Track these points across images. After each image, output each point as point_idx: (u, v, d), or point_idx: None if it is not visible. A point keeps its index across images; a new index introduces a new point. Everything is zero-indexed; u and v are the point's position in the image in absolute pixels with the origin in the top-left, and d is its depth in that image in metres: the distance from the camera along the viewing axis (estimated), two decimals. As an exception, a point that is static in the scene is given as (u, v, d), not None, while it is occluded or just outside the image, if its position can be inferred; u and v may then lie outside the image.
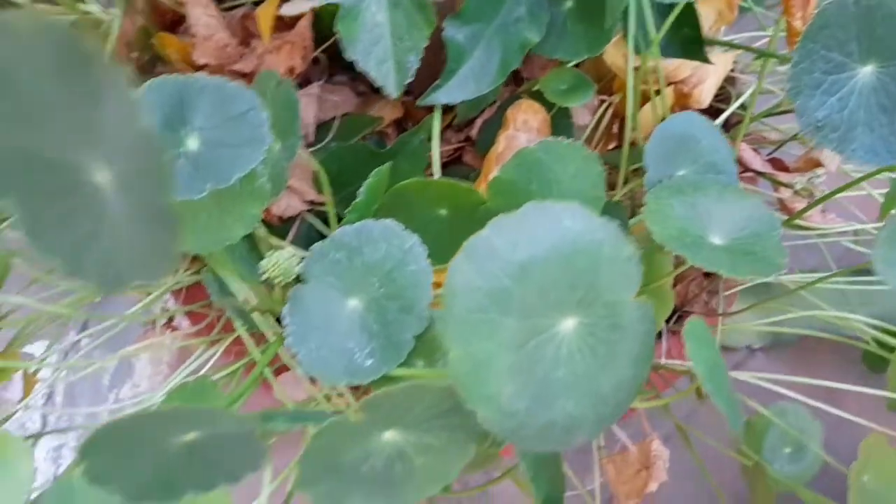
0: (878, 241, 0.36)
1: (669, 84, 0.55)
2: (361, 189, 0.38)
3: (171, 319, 0.56)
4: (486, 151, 0.47)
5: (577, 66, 0.48)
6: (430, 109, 0.56)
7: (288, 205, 0.49)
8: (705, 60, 0.48)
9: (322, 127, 0.53)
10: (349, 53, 0.41)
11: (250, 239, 0.51)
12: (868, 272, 0.42)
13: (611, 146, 0.56)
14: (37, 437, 0.57)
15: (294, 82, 0.43)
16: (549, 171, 0.37)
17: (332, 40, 0.46)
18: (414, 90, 0.52)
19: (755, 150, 0.59)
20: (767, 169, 0.57)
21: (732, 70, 0.60)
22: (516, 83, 0.56)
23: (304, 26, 0.50)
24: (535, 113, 0.49)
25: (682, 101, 0.55)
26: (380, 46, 0.42)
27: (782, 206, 0.58)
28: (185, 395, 0.38)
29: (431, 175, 0.45)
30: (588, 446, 0.52)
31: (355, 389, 0.40)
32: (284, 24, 0.50)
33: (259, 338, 0.46)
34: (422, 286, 0.36)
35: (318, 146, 0.51)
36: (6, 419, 0.43)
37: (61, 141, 0.20)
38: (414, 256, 0.36)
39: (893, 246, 0.36)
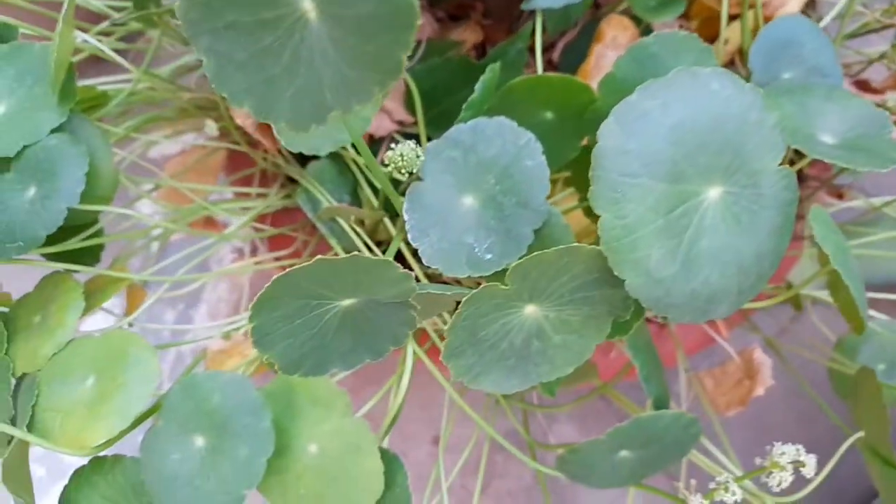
0: None
1: (752, 7, 0.54)
2: (476, 86, 0.38)
3: (254, 250, 0.56)
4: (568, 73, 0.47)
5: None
6: (509, 32, 0.56)
7: (379, 125, 0.49)
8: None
9: (405, 52, 0.53)
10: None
11: (338, 164, 0.52)
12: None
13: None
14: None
15: None
16: (663, 65, 0.36)
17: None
18: (493, 14, 0.52)
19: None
20: (853, 90, 0.56)
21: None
22: (596, 6, 0.56)
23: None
24: (625, 29, 0.49)
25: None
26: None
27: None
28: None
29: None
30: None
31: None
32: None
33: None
34: (539, 181, 0.36)
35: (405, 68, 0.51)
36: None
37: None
38: (530, 152, 0.36)
39: None
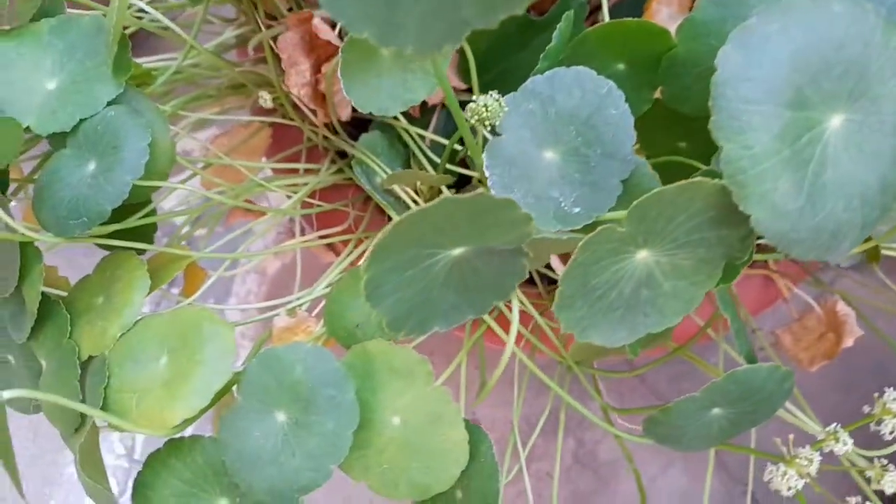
0: None
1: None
2: (554, 34, 0.37)
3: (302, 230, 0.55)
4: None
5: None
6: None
7: (431, 92, 0.47)
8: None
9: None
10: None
11: (388, 136, 0.50)
12: None
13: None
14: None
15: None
16: (747, 4, 0.35)
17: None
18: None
19: None
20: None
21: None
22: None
23: None
24: (680, -16, 0.48)
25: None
26: None
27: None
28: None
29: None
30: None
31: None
32: None
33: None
34: (624, 130, 0.34)
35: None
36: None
37: None
38: (613, 100, 0.34)
39: None
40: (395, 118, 0.48)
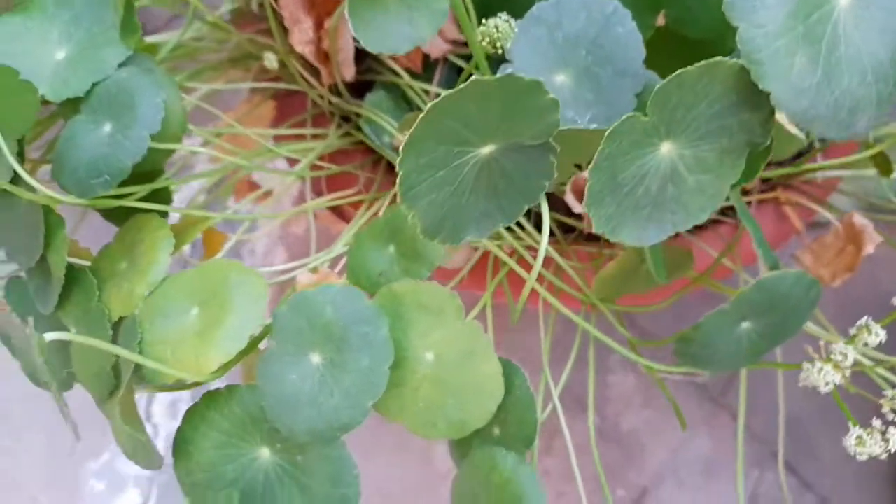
0: None
1: None
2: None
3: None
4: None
5: None
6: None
7: (433, 45, 0.48)
8: None
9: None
10: None
11: (393, 95, 0.51)
12: None
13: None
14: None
15: None
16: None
17: None
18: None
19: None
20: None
21: None
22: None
23: None
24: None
25: None
26: None
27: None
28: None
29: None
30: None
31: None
32: None
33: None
34: (634, 46, 0.35)
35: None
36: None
37: None
38: (619, 19, 0.35)
39: None
40: (399, 75, 0.49)
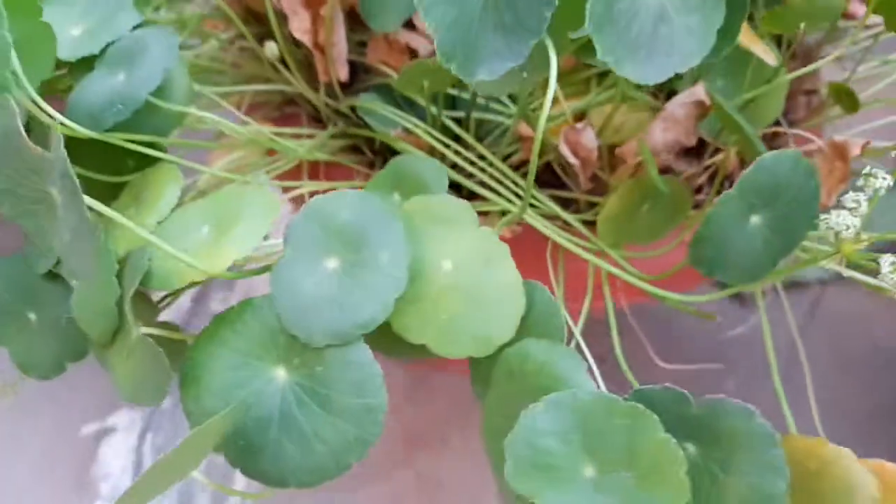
0: None
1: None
2: None
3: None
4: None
5: None
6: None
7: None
8: None
9: None
10: None
11: (385, 98, 0.54)
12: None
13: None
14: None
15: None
16: None
17: None
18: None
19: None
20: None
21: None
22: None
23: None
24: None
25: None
26: None
27: None
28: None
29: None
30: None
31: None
32: None
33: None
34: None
35: None
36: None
37: None
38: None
39: None
40: (391, 76, 0.52)
